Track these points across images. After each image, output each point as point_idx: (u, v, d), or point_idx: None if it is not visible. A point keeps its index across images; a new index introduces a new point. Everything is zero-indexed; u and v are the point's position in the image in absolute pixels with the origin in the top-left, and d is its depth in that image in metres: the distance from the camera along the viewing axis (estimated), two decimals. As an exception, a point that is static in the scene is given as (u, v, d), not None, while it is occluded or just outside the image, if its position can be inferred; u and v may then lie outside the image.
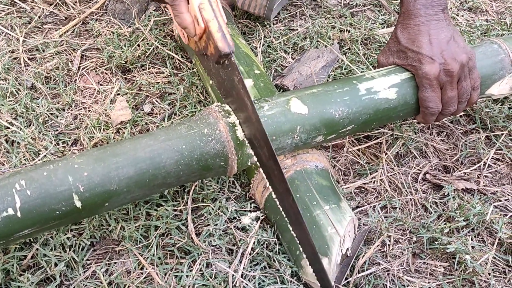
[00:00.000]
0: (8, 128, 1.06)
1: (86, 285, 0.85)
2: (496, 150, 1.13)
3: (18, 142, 1.03)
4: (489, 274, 0.91)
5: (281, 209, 0.81)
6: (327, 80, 1.22)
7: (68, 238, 0.89)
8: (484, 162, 1.10)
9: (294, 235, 0.81)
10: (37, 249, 0.87)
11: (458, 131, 1.16)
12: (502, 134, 1.15)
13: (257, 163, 0.83)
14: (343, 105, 0.89)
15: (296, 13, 1.44)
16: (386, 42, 1.31)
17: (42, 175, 0.73)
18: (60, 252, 0.87)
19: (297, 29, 1.38)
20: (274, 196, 0.81)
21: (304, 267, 0.84)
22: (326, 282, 0.80)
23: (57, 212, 0.73)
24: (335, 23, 1.40)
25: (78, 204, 0.74)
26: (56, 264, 0.86)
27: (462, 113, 1.18)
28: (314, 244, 0.78)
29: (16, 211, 0.70)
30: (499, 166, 1.11)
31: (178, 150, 0.80)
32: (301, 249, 0.83)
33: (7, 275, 0.85)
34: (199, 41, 0.85)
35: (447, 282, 0.90)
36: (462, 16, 1.46)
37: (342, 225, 0.85)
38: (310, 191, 0.89)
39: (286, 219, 0.82)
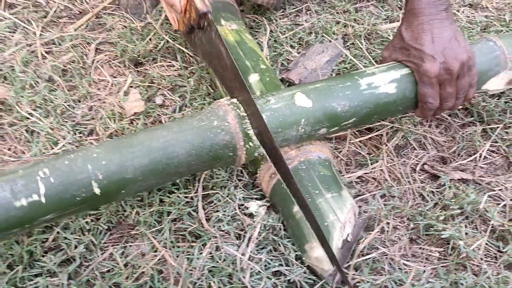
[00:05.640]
0: (28, 118, 1.11)
1: (104, 266, 0.91)
2: (491, 142, 1.18)
3: (38, 132, 1.09)
4: (481, 259, 0.96)
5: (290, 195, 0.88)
6: (331, 74, 1.27)
7: (86, 222, 0.95)
8: (480, 153, 1.16)
9: (305, 218, 0.87)
10: (58, 232, 0.93)
11: (455, 124, 1.21)
12: (498, 127, 1.20)
13: (264, 152, 0.89)
14: (345, 99, 0.94)
15: (302, 8, 1.48)
16: (391, 38, 1.36)
17: (64, 163, 0.78)
18: (80, 235, 0.93)
19: (303, 24, 1.43)
20: (282, 184, 0.88)
21: (307, 251, 0.90)
22: (335, 261, 0.85)
23: (78, 198, 0.78)
24: (340, 18, 1.45)
25: (97, 191, 0.79)
26: (76, 247, 0.92)
27: (460, 107, 1.23)
28: (319, 226, 0.84)
29: (40, 197, 0.75)
30: (494, 157, 1.16)
31: (190, 141, 0.85)
32: (305, 234, 0.89)
33: (31, 256, 0.91)
34: (185, 16, 0.94)
35: (442, 266, 0.95)
36: (463, 12, 1.51)
37: (343, 212, 0.91)
38: (313, 181, 0.94)
39: (295, 203, 0.89)
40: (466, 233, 0.99)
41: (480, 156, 1.15)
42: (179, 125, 0.87)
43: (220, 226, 0.97)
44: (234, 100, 0.91)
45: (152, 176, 0.84)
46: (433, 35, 0.96)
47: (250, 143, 0.88)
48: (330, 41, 1.36)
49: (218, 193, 1.01)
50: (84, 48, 1.31)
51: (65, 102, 1.16)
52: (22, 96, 1.15)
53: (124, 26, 1.37)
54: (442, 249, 0.98)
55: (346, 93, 0.95)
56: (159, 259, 0.92)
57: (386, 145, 1.14)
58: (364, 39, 1.39)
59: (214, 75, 1.16)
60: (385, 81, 0.98)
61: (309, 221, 0.86)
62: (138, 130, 1.10)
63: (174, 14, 1.01)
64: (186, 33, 1.02)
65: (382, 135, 1.16)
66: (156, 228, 0.96)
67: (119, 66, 1.28)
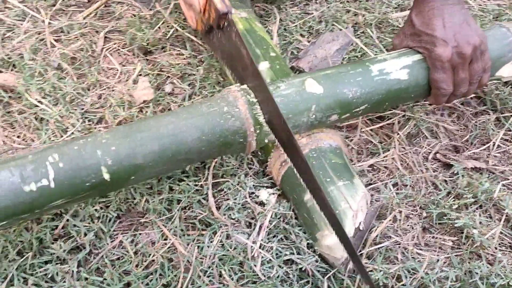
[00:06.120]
0: (37, 106, 1.11)
1: (113, 254, 0.91)
2: (505, 131, 1.16)
3: (47, 120, 1.08)
4: (495, 248, 0.95)
5: (302, 183, 0.86)
6: (342, 63, 1.26)
7: (96, 210, 0.94)
8: (493, 142, 1.14)
9: (317, 206, 0.85)
10: (67, 219, 0.92)
11: (468, 113, 1.19)
12: (511, 115, 1.19)
13: (275, 139, 0.88)
14: (356, 85, 0.93)
15: (312, -4, 1.47)
16: (401, 25, 1.34)
17: (73, 149, 0.78)
18: (89, 223, 0.93)
19: (313, 13, 1.41)
20: (294, 171, 0.86)
21: (319, 239, 0.89)
22: (350, 247, 0.83)
23: (87, 184, 0.78)
24: (350, 7, 1.43)
25: (107, 176, 0.78)
26: (85, 234, 0.91)
27: (473, 95, 1.22)
28: (334, 213, 0.82)
29: (50, 182, 0.75)
30: (508, 146, 1.14)
31: (200, 127, 0.84)
32: (316, 222, 0.88)
33: (41, 243, 0.90)
34: (204, 16, 0.91)
35: (455, 255, 0.94)
36: (475, 0, 1.49)
37: (355, 200, 0.89)
38: (324, 169, 0.93)
39: (307, 191, 0.87)
40: (480, 222, 0.98)
41: (493, 145, 1.14)
42: (188, 111, 0.86)
43: (230, 214, 0.96)
44: (245, 86, 0.90)
45: (162, 162, 0.83)
46: (444, 20, 0.95)
47: (261, 129, 0.87)
48: (340, 30, 1.35)
49: (228, 181, 1.00)
50: (93, 36, 1.31)
51: (74, 90, 1.15)
52: (31, 84, 1.14)
53: (133, 14, 1.36)
54: (455, 238, 0.97)
55: (357, 79, 0.94)
56: (169, 247, 0.92)
57: (398, 134, 1.13)
58: (375, 28, 1.38)
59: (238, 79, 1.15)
60: (397, 68, 0.96)
61: (324, 211, 0.84)
62: (147, 117, 1.09)
63: (193, 13, 0.99)
64: (205, 32, 0.99)
65: (393, 123, 1.15)
66: (166, 216, 0.96)
67: (128, 55, 1.27)
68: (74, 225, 0.92)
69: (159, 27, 1.32)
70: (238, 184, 1.00)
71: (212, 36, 0.97)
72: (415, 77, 0.97)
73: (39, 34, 1.29)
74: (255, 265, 0.88)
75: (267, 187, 1.01)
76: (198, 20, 0.97)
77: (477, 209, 1.01)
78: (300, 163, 0.84)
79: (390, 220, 0.98)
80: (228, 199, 0.98)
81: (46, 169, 0.75)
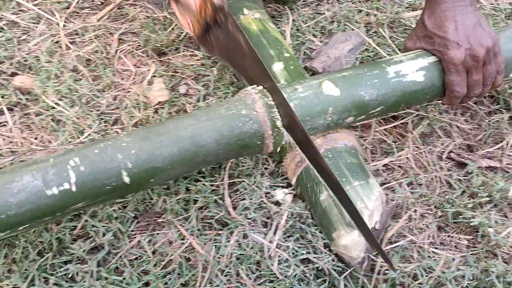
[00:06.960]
0: (54, 108, 1.12)
1: (132, 254, 0.91)
2: (518, 130, 1.17)
3: (64, 121, 1.09)
4: (511, 246, 0.96)
5: (322, 182, 0.87)
6: (355, 63, 1.27)
7: (114, 210, 0.95)
8: (507, 141, 1.14)
9: (339, 203, 0.87)
10: (86, 220, 0.93)
11: (482, 112, 1.20)
12: (525, 114, 1.19)
13: (292, 141, 0.89)
14: (373, 87, 0.94)
15: (324, -4, 1.48)
16: (413, 26, 1.34)
17: (94, 152, 0.79)
18: (107, 223, 0.94)
19: (325, 13, 1.42)
20: (311, 171, 0.87)
21: (335, 239, 0.90)
22: (373, 241, 0.83)
23: (108, 187, 0.78)
24: (362, 7, 1.44)
25: (127, 179, 0.79)
26: (104, 234, 0.92)
27: (486, 95, 1.22)
28: (356, 209, 0.82)
29: (71, 186, 0.75)
30: (522, 145, 1.15)
31: (218, 130, 0.84)
32: (332, 221, 0.89)
33: (60, 243, 0.91)
34: (200, 16, 0.93)
35: (471, 254, 0.95)
36: (487, -1, 1.49)
37: (371, 200, 0.90)
38: (340, 169, 0.94)
39: (322, 191, 0.89)
40: (496, 221, 0.98)
41: (507, 144, 1.14)
42: (207, 113, 0.87)
43: (246, 214, 0.96)
44: (261, 87, 0.90)
45: (181, 165, 0.84)
46: (457, 22, 0.95)
47: (278, 132, 0.88)
48: (352, 30, 1.35)
49: (244, 181, 1.01)
50: (107, 38, 1.32)
51: (90, 92, 1.17)
52: (47, 86, 1.15)
53: (147, 16, 1.37)
54: (471, 237, 0.98)
55: (373, 81, 0.94)
56: (186, 247, 0.92)
57: (412, 133, 1.13)
58: (387, 28, 1.38)
59: (238, 72, 1.15)
60: (413, 69, 0.97)
61: (345, 206, 0.85)
62: (164, 119, 1.10)
63: (188, 16, 1.00)
64: (201, 35, 1.02)
65: (407, 123, 1.16)
66: (183, 216, 0.96)
67: (142, 56, 1.28)
68: (93, 226, 0.93)
69: (172, 29, 1.33)
70: (254, 184, 1.01)
71: (209, 37, 0.99)
72: (430, 79, 0.97)
73: (54, 36, 1.30)
74: (272, 264, 0.89)
75: (282, 187, 1.01)
76: (194, 22, 0.99)
77: (492, 208, 1.02)
78: (318, 162, 0.85)
79: (405, 219, 0.98)
80: (244, 199, 0.99)
81: (67, 173, 0.76)
